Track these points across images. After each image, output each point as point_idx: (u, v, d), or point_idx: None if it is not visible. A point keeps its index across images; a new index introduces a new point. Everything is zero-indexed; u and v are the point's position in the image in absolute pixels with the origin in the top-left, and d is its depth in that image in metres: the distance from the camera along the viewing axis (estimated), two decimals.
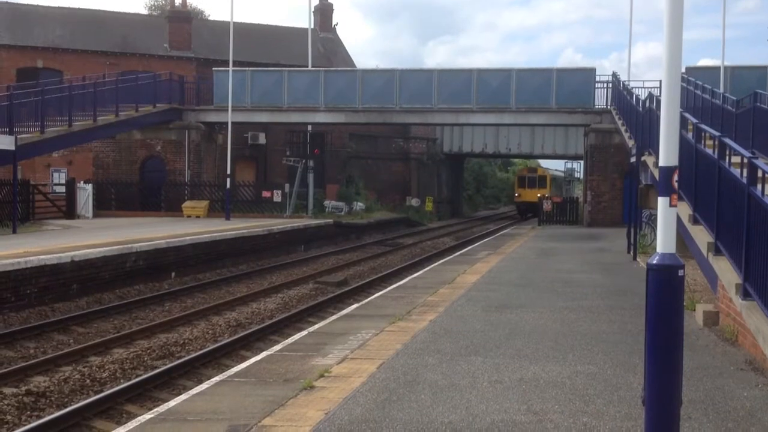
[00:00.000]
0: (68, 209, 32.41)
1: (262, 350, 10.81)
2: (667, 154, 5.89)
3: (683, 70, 24.15)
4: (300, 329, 12.89)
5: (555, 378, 7.69)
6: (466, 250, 22.31)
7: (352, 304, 14.64)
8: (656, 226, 6.08)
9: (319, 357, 8.75)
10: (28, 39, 40.67)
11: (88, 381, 10.92)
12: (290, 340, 10.09)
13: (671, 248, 5.66)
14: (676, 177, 5.81)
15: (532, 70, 34.63)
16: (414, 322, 10.73)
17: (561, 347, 9.13)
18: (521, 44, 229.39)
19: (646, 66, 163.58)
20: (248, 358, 10.55)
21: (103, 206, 34.78)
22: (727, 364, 8.28)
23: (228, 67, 34.48)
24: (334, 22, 51.30)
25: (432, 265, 18.91)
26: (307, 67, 37.78)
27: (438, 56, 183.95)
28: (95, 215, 33.14)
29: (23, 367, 11.49)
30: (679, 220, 10.84)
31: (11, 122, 24.51)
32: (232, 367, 9.33)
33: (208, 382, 8.06)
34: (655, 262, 5.62)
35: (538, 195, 44.95)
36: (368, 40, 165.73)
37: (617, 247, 22.49)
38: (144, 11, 56.23)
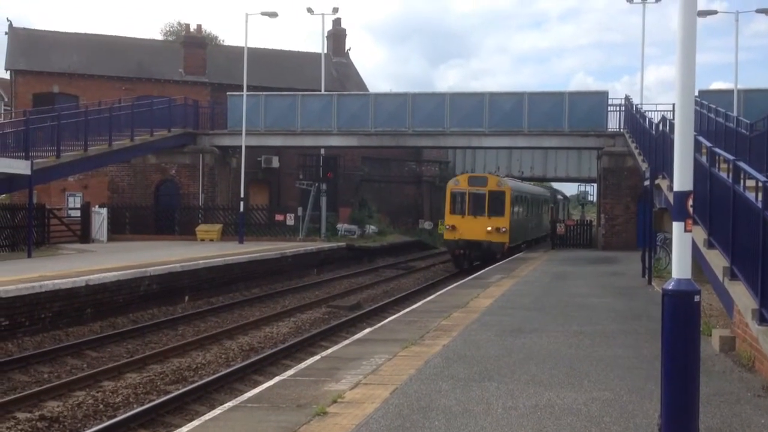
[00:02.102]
0: (83, 233, 32.58)
1: (274, 375, 10.78)
2: (681, 178, 5.87)
3: (696, 93, 24.13)
4: (313, 354, 12.87)
5: (570, 404, 7.61)
6: (479, 273, 22.24)
7: (365, 328, 14.59)
8: (671, 249, 6.05)
9: (332, 382, 8.71)
10: (44, 64, 41.14)
11: (101, 406, 10.91)
12: (303, 364, 10.06)
13: (687, 273, 5.62)
14: (690, 201, 5.79)
15: (544, 94, 34.69)
16: (427, 347, 10.68)
17: (576, 373, 9.05)
18: (533, 67, 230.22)
19: (658, 89, 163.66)
20: (261, 383, 10.52)
21: (118, 230, 34.96)
22: (744, 391, 8.17)
23: (242, 91, 34.74)
24: (346, 47, 51.65)
25: (445, 289, 18.85)
26: (320, 91, 38.01)
27: (449, 79, 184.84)
28: (110, 239, 33.30)
29: (37, 391, 11.50)
30: (693, 244, 10.77)
31: (27, 147, 24.74)
32: (245, 392, 9.30)
33: (221, 407, 8.04)
34: (670, 287, 5.58)
35: (489, 228, 30.20)
36: (379, 64, 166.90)
37: (632, 270, 22.35)
38: (159, 37, 56.81)
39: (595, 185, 44.05)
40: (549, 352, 10.35)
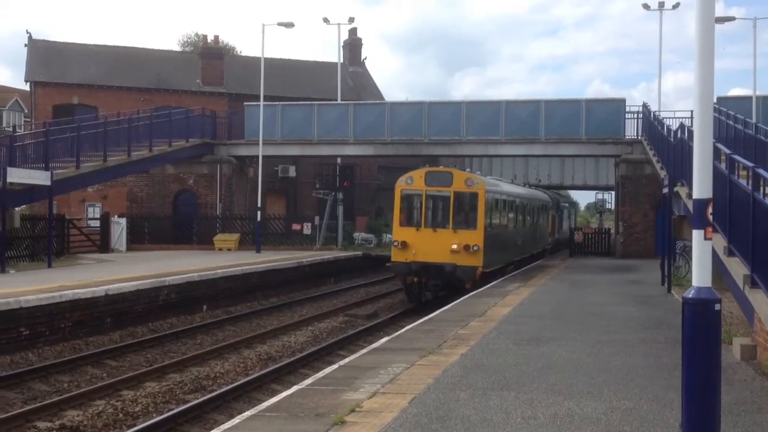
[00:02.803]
0: (102, 243, 32.81)
1: (293, 384, 10.78)
2: (701, 185, 5.84)
3: (714, 100, 24.00)
4: (330, 363, 12.87)
5: (590, 414, 7.56)
6: (496, 282, 22.15)
7: (383, 337, 14.58)
8: (690, 257, 6.02)
9: (350, 391, 8.71)
10: (63, 76, 41.56)
11: (121, 415, 10.97)
12: (321, 373, 10.06)
13: (707, 282, 5.58)
14: (710, 209, 5.76)
15: (561, 101, 34.59)
16: (445, 356, 10.65)
17: (596, 382, 8.99)
18: (549, 75, 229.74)
19: (675, 96, 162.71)
20: (279, 392, 10.53)
21: (137, 240, 35.17)
22: (766, 400, 8.09)
23: (259, 101, 34.91)
24: (363, 56, 51.79)
25: (462, 298, 18.79)
26: (337, 100, 38.13)
27: (465, 88, 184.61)
28: (129, 249, 33.51)
29: (57, 401, 11.58)
30: (713, 252, 10.70)
31: (47, 158, 24.97)
32: (264, 401, 9.31)
33: (239, 416, 8.05)
34: (691, 296, 5.55)
35: (455, 246, 21.69)
36: (395, 73, 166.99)
37: (651, 279, 22.20)
38: (177, 48, 57.29)
39: (613, 193, 43.82)
40: (568, 361, 10.29)
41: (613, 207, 50.01)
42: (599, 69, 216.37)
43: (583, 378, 9.19)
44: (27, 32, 43.16)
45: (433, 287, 22.52)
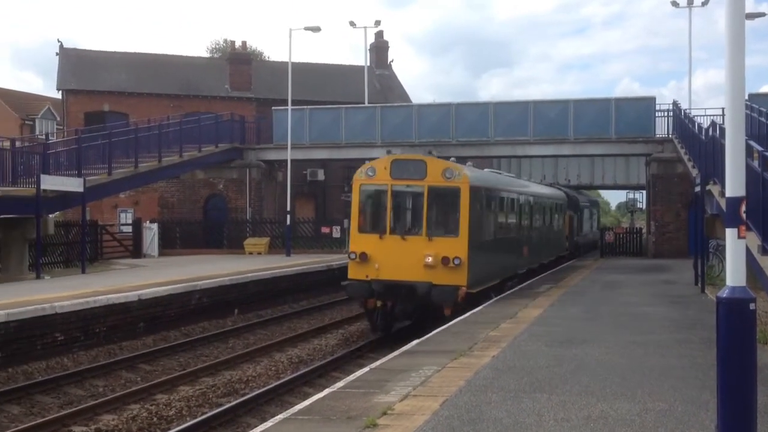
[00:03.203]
0: (135, 248, 33.20)
1: (324, 387, 10.82)
2: (733, 183, 5.77)
3: (746, 96, 23.66)
4: (361, 365, 12.90)
5: (624, 415, 7.50)
6: (526, 283, 22.03)
7: (413, 339, 14.58)
8: (724, 256, 5.95)
9: (382, 394, 8.72)
10: (94, 84, 42.12)
11: (155, 419, 11.08)
12: (352, 376, 10.08)
13: (741, 281, 5.52)
14: (743, 207, 5.69)
15: (589, 101, 34.33)
16: (476, 358, 10.62)
17: (629, 383, 8.92)
18: (577, 74, 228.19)
19: (706, 93, 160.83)
20: (311, 395, 10.58)
21: (168, 245, 35.52)
22: None
23: (287, 105, 35.09)
24: (389, 59, 51.86)
25: (492, 300, 18.73)
26: (364, 103, 38.21)
27: (492, 88, 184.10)
28: (161, 253, 33.86)
29: (92, 405, 11.74)
30: (747, 250, 10.56)
31: (80, 165, 25.33)
32: (296, 404, 9.36)
33: (272, 420, 8.09)
34: (725, 295, 5.49)
35: (429, 258, 16.80)
36: (421, 75, 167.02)
37: (684, 278, 21.95)
38: (205, 54, 57.76)
39: (644, 192, 43.39)
40: (601, 362, 10.21)
41: (644, 206, 49.53)
42: (628, 68, 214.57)
43: (616, 379, 9.12)
44: (58, 41, 43.85)
45: (402, 313, 17.36)
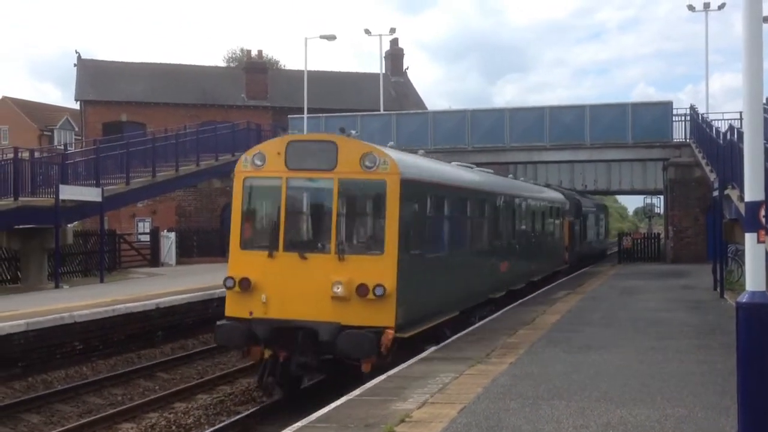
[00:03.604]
0: (152, 257, 33.37)
1: (341, 394, 10.82)
2: (752, 187, 5.73)
3: (764, 100, 23.51)
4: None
5: (643, 422, 7.45)
6: (543, 289, 21.92)
7: (430, 346, 14.53)
8: (743, 261, 5.91)
9: (399, 401, 8.70)
10: (112, 94, 42.48)
11: (173, 427, 11.12)
12: (369, 384, 10.06)
13: (761, 286, 5.47)
14: (763, 211, 5.65)
15: (606, 106, 34.22)
16: (493, 365, 10.58)
17: (648, 389, 8.85)
18: (593, 79, 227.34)
19: (723, 97, 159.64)
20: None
21: (186, 253, 35.68)
22: None
23: (303, 114, 35.20)
24: (404, 66, 51.94)
25: (509, 306, 18.67)
26: (380, 111, 38.27)
27: (507, 94, 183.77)
28: (178, 262, 34.01)
29: (111, 414, 11.79)
30: (767, 255, 10.47)
31: (98, 175, 25.51)
32: (314, 412, 9.36)
33: (290, 428, 8.09)
34: (744, 300, 5.45)
35: (338, 288, 11.29)
36: (435, 82, 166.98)
37: (703, 284, 21.78)
38: (222, 64, 58.13)
39: (662, 197, 43.11)
40: (619, 368, 10.15)
41: (662, 211, 49.18)
42: (644, 72, 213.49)
43: (635, 385, 9.06)
44: (76, 52, 44.29)
45: (300, 369, 11.92)
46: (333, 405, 8.96)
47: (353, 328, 11.20)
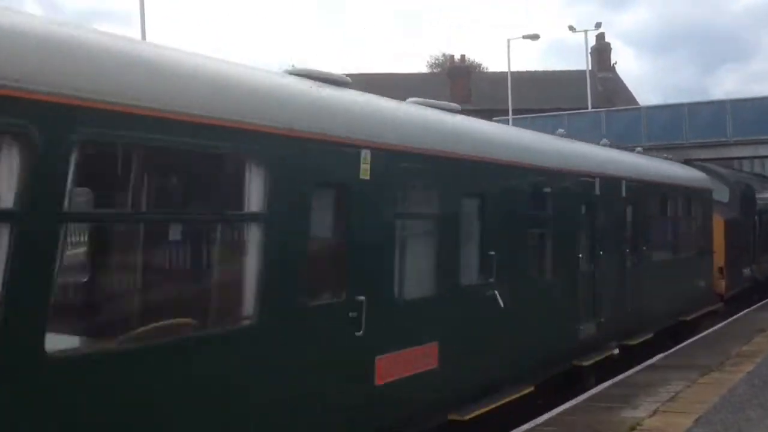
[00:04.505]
0: None
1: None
2: None
3: None
4: (603, 378, 12.45)
5: None
6: None
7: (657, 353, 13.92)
8: None
9: (629, 409, 8.43)
10: None
11: None
12: (594, 390, 9.82)
13: None
14: None
15: None
16: (729, 374, 9.99)
17: None
18: None
19: None
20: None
21: None
22: None
23: (507, 115, 35.04)
24: (612, 61, 50.18)
25: (741, 312, 17.40)
26: (587, 108, 37.22)
27: (726, 85, 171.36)
28: None
29: None
30: None
31: None
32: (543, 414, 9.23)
33: (516, 430, 8.06)
34: None
35: None
36: (644, 75, 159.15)
37: None
38: (425, 70, 59.19)
39: None
40: None
41: None
42: None
43: None
44: None
45: None
46: (558, 409, 8.83)
47: None
